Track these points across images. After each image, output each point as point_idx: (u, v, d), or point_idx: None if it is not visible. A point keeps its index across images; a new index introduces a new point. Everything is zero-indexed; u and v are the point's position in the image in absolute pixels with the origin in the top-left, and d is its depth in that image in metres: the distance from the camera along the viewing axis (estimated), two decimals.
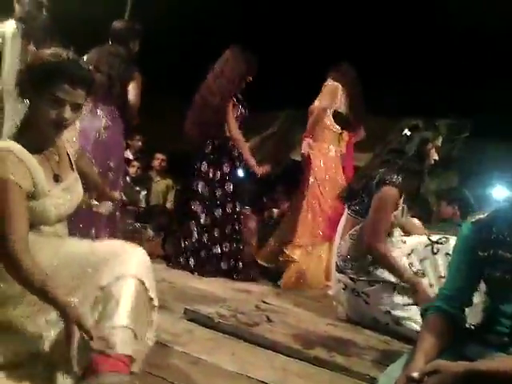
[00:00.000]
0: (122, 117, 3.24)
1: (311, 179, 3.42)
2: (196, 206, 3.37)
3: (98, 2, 4.62)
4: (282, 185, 5.51)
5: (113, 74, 3.08)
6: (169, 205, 5.15)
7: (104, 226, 3.10)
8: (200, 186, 3.38)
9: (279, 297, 2.84)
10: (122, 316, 1.25)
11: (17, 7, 3.14)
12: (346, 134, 3.58)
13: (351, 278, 2.33)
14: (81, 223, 2.80)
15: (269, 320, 2.20)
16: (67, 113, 1.41)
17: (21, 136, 1.44)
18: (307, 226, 3.36)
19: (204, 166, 3.39)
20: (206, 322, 2.04)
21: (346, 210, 2.56)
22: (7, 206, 1.31)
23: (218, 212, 3.35)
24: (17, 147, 1.38)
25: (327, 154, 3.48)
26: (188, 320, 2.07)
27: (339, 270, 2.41)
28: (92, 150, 3.05)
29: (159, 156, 5.43)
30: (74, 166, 1.61)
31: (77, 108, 1.44)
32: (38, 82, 1.40)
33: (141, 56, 3.35)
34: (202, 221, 3.34)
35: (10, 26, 3.14)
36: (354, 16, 4.88)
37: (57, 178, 1.50)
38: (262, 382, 1.58)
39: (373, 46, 5.00)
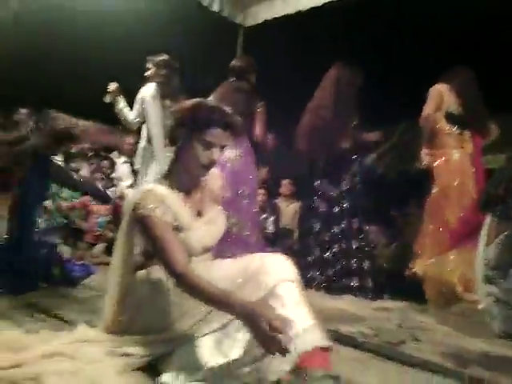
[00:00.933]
0: (252, 146, 3.45)
1: (434, 189, 3.24)
2: (315, 224, 3.41)
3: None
4: (414, 198, 5.26)
5: (238, 108, 3.32)
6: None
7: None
8: (318, 203, 3.41)
9: (422, 313, 2.71)
10: (304, 316, 1.33)
11: (154, 71, 3.58)
12: (467, 135, 3.34)
13: (504, 290, 2.15)
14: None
15: (415, 338, 2.11)
16: (216, 154, 1.58)
17: (169, 177, 1.62)
18: (430, 237, 3.18)
19: (320, 183, 3.43)
20: (349, 342, 2.02)
21: (490, 215, 2.38)
22: (160, 240, 1.46)
23: (338, 228, 3.33)
24: (158, 188, 1.55)
25: (450, 159, 3.27)
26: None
27: (488, 281, 2.23)
28: (226, 180, 3.29)
29: (285, 182, 5.57)
30: (217, 200, 1.75)
31: (223, 148, 1.61)
32: (190, 129, 1.57)
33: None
34: (320, 237, 3.35)
35: (150, 89, 3.59)
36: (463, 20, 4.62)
37: (199, 213, 1.66)
38: None
39: (490, 47, 4.67)
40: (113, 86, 3.59)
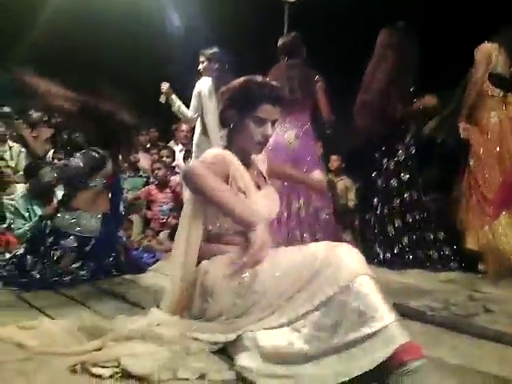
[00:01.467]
0: (312, 124, 3.45)
1: (471, 159, 3.05)
2: (374, 198, 3.33)
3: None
4: None
5: (295, 85, 3.33)
6: (351, 203, 5.19)
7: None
8: (376, 178, 3.33)
9: (491, 284, 2.59)
10: (389, 310, 1.30)
11: (206, 65, 3.63)
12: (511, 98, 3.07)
13: None
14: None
15: (487, 310, 2.04)
16: (269, 130, 1.60)
17: (230, 150, 1.66)
18: (474, 209, 3.00)
19: (377, 156, 3.33)
20: (418, 316, 1.99)
21: None
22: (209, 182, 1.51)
23: (398, 201, 3.23)
24: (225, 152, 1.63)
25: (488, 123, 3.02)
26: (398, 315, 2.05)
27: None
28: (285, 162, 3.32)
29: (334, 157, 5.51)
30: (267, 180, 1.78)
31: (274, 123, 1.62)
32: (242, 108, 1.60)
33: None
34: (380, 212, 3.27)
35: (206, 83, 3.65)
36: None
37: (258, 186, 1.69)
38: (494, 375, 1.48)
39: None
40: (165, 86, 3.67)
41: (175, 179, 4.59)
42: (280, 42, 3.55)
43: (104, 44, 6.07)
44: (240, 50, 4.09)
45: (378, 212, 3.29)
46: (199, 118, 3.73)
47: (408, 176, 3.24)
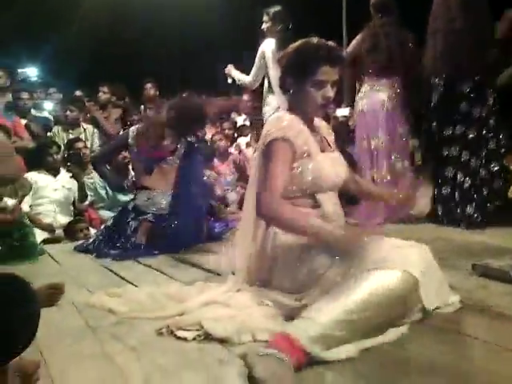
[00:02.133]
0: (404, 87, 3.35)
1: None
2: (454, 151, 3.13)
3: None
4: None
5: (390, 43, 3.23)
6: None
7: None
8: (457, 128, 3.11)
9: None
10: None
11: (270, 25, 3.57)
12: None
13: None
14: None
15: None
16: (330, 92, 1.58)
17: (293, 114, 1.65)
18: None
19: (462, 107, 3.09)
20: (500, 276, 1.90)
21: None
22: (271, 164, 1.54)
23: (477, 155, 3.02)
24: (287, 115, 1.63)
25: None
26: (479, 276, 1.97)
27: None
28: (375, 126, 3.25)
29: None
30: (333, 148, 1.76)
31: (335, 84, 1.59)
32: (300, 73, 1.57)
33: None
34: (458, 167, 3.08)
35: (270, 44, 3.57)
36: None
37: (323, 150, 1.68)
38: None
39: None
40: (229, 68, 3.75)
41: (236, 151, 4.66)
42: (373, 0, 3.42)
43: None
44: (303, 11, 3.96)
45: (456, 167, 3.11)
46: (266, 78, 3.68)
47: (492, 126, 3.01)
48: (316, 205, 1.62)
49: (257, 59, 3.65)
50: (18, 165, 0.71)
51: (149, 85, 5.42)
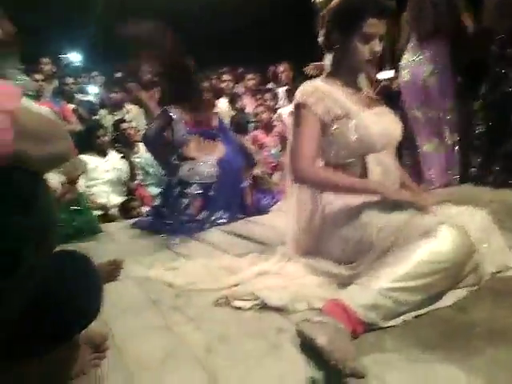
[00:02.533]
0: (451, 55, 3.16)
1: None
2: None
3: None
4: None
5: (436, 12, 3.07)
6: None
7: None
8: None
9: None
10: None
11: None
12: None
13: None
14: None
15: None
16: (378, 46, 1.52)
17: (331, 77, 1.64)
18: None
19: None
20: None
21: None
22: (299, 132, 1.54)
23: None
24: (316, 81, 1.61)
25: None
26: None
27: None
28: (418, 100, 3.18)
29: None
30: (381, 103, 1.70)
31: (382, 38, 1.52)
32: (345, 27, 1.52)
33: None
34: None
35: None
36: None
37: (371, 107, 1.63)
38: None
39: None
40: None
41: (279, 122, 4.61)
42: None
43: None
44: None
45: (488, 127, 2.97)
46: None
47: None
48: (365, 171, 1.58)
49: None
50: (69, 145, 0.74)
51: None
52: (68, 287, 0.97)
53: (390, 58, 3.81)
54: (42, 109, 0.73)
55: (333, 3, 1.58)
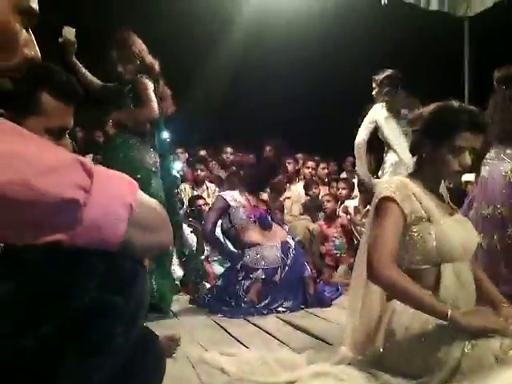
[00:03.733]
0: None
1: None
2: None
3: None
4: None
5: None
6: None
7: None
8: None
9: None
10: None
11: (377, 91, 3.65)
12: None
13: None
14: None
15: None
16: (468, 159, 1.51)
17: (414, 177, 1.62)
18: None
19: None
20: None
21: None
22: (381, 226, 1.49)
23: None
24: (405, 179, 1.59)
25: None
26: None
27: None
28: (493, 194, 3.11)
29: None
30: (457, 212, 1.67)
31: (474, 151, 1.52)
32: (437, 137, 1.53)
33: None
34: None
35: (378, 110, 3.62)
36: None
37: (450, 214, 1.60)
38: None
39: None
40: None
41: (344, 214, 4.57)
42: (501, 72, 3.33)
43: None
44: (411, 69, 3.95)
45: None
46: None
47: None
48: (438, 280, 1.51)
49: (366, 122, 3.67)
50: (171, 235, 0.77)
51: (267, 147, 5.71)
52: (138, 363, 0.96)
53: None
54: (152, 201, 0.79)
55: (425, 111, 1.62)
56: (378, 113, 3.64)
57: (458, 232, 1.53)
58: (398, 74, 3.69)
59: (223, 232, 3.32)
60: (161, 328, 2.31)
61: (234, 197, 3.24)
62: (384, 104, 3.62)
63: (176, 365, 1.81)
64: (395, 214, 1.50)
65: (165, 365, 1.07)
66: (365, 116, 3.69)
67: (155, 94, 2.75)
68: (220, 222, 3.28)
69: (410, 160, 3.27)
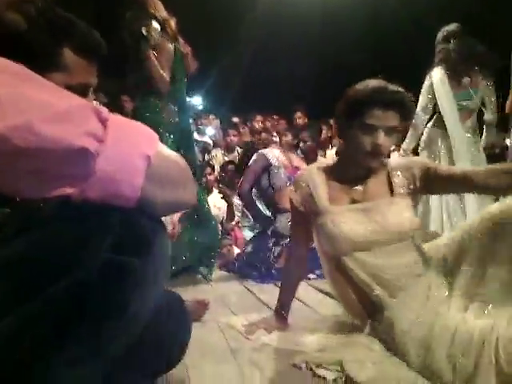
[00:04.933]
0: None
1: None
2: None
3: None
4: None
5: None
6: None
7: None
8: None
9: None
10: None
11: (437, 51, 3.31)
12: None
13: None
14: None
15: None
16: (381, 139, 1.39)
17: (338, 164, 1.58)
18: None
19: None
20: None
21: None
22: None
23: None
24: (313, 167, 1.62)
25: None
26: None
27: None
28: None
29: None
30: (397, 192, 1.51)
31: (391, 132, 1.41)
32: (347, 114, 1.45)
33: None
34: None
35: (436, 73, 3.27)
36: None
37: (354, 201, 1.50)
38: None
39: None
40: None
41: None
42: None
43: None
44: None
45: None
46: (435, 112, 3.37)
47: None
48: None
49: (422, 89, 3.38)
50: (194, 192, 0.73)
51: (298, 113, 5.57)
52: (160, 326, 0.94)
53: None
54: (174, 154, 0.73)
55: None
56: (435, 75, 3.26)
57: (343, 222, 1.43)
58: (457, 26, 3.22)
59: (258, 192, 3.21)
60: (191, 292, 2.32)
61: (275, 155, 3.09)
62: (442, 66, 3.22)
63: (204, 329, 1.79)
64: (292, 204, 1.61)
65: (190, 328, 1.04)
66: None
67: (174, 53, 2.66)
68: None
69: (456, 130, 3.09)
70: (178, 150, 2.56)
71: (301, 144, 4.68)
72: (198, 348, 1.57)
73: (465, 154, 3.11)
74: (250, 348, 1.58)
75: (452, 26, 3.25)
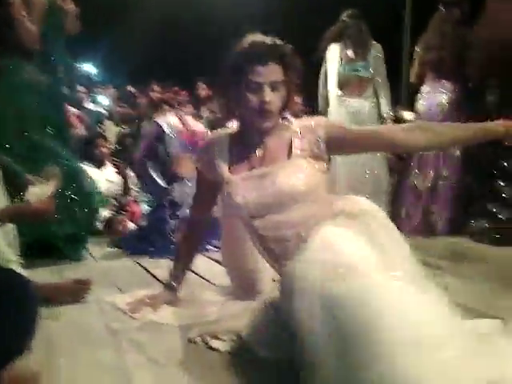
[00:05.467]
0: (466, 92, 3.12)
1: None
2: None
3: None
4: None
5: (448, 41, 3.01)
6: None
7: None
8: None
9: None
10: None
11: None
12: None
13: None
14: None
15: None
16: (267, 95, 1.32)
17: (239, 130, 1.48)
18: None
19: None
20: None
21: None
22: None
23: None
24: (215, 135, 1.57)
25: None
26: None
27: None
28: None
29: None
30: (294, 154, 1.41)
31: (277, 87, 1.34)
32: (231, 73, 1.36)
33: None
34: None
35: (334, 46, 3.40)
36: None
37: (252, 167, 1.41)
38: None
39: None
40: None
41: None
42: None
43: None
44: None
45: None
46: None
47: None
48: None
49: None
50: None
51: (201, 85, 5.37)
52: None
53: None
54: None
55: None
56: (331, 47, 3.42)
57: (244, 191, 1.35)
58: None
59: (156, 163, 2.98)
60: (73, 271, 2.09)
61: (169, 122, 2.90)
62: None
63: (82, 311, 1.60)
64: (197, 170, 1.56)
65: (35, 315, 0.86)
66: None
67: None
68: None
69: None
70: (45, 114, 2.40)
71: (207, 115, 4.52)
72: (74, 331, 1.39)
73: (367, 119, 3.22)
74: (133, 328, 1.42)
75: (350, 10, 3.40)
